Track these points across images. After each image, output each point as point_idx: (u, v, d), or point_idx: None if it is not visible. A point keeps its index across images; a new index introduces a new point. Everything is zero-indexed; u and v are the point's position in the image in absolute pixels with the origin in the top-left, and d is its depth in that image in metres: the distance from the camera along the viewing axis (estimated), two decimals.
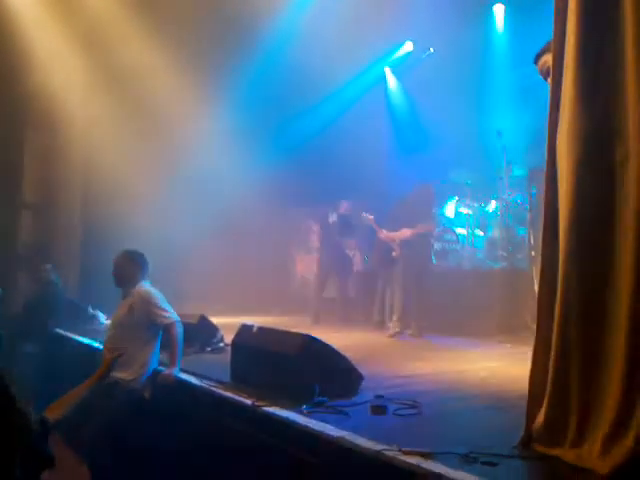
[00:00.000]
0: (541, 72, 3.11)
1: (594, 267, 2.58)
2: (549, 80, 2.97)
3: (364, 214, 7.61)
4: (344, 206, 8.86)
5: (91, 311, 7.59)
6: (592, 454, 2.41)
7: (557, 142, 2.77)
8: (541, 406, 2.73)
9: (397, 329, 7.00)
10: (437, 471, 2.43)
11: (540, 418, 2.68)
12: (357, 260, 10.01)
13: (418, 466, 2.50)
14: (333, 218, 8.87)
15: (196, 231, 8.89)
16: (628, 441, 2.29)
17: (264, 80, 9.31)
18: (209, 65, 9.14)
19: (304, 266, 10.27)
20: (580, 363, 2.57)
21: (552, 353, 2.68)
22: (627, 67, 2.49)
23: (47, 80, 8.61)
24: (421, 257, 7.18)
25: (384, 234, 7.33)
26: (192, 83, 8.87)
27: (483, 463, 2.51)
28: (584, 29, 2.65)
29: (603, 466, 2.34)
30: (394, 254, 7.17)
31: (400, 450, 2.63)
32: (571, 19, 2.69)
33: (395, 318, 7.04)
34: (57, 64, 8.65)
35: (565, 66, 2.71)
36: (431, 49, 9.76)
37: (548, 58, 2.92)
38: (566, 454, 2.52)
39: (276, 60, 9.10)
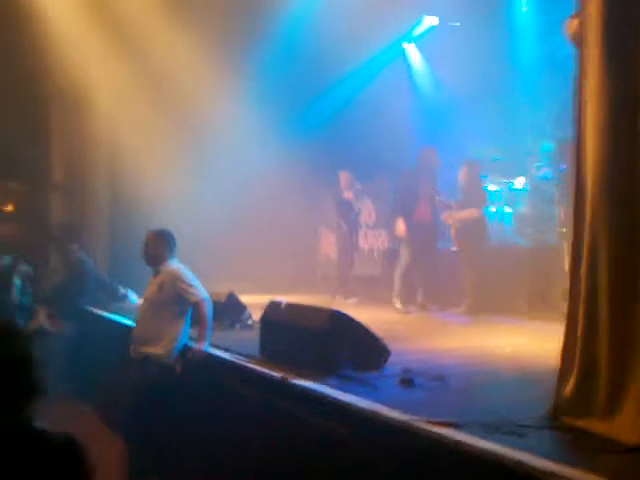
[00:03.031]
0: (569, 38, 3.04)
1: (622, 237, 2.55)
2: (577, 46, 2.91)
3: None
4: (344, 179, 8.74)
5: (122, 290, 7.72)
6: (623, 426, 2.41)
7: (582, 111, 2.73)
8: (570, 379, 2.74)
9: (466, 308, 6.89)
10: (464, 440, 2.46)
11: (568, 389, 2.68)
12: (384, 238, 9.98)
13: (445, 436, 2.54)
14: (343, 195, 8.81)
15: (223, 210, 8.95)
16: None
17: (287, 56, 9.26)
18: (232, 42, 9.11)
19: (329, 244, 10.29)
20: (609, 335, 2.55)
21: (581, 324, 2.67)
22: None
23: (71, 62, 8.68)
24: (478, 236, 7.12)
25: (452, 216, 7.21)
26: (216, 59, 8.84)
27: (510, 433, 2.52)
28: None
29: (631, 437, 2.34)
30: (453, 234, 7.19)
31: (427, 420, 2.66)
32: None
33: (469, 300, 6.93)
34: (83, 47, 8.70)
35: (590, 31, 2.66)
36: (457, 23, 9.59)
37: (576, 23, 2.87)
38: (595, 425, 2.51)
39: (299, 35, 9.05)
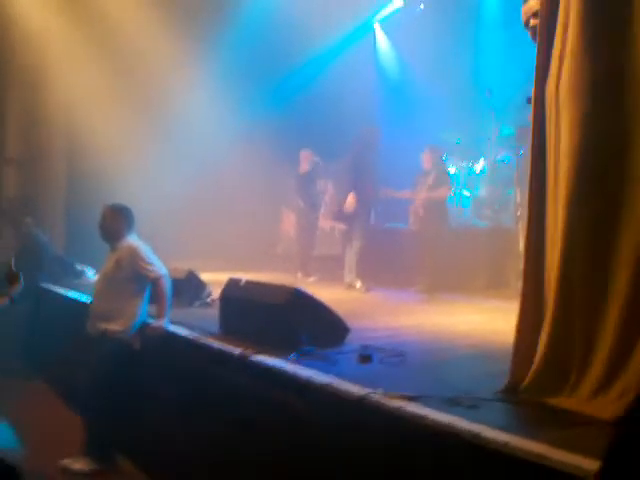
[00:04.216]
0: (526, 20, 3.05)
1: (599, 221, 2.57)
2: (532, 22, 2.91)
3: (385, 190, 7.60)
4: (304, 157, 8.69)
5: (79, 266, 7.57)
6: (594, 399, 2.46)
7: (558, 95, 2.69)
8: (527, 355, 2.78)
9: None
10: (421, 413, 2.50)
11: (535, 367, 2.70)
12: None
13: (403, 409, 2.58)
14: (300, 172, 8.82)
15: (185, 186, 8.84)
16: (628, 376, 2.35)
17: (253, 35, 9.15)
18: (197, 21, 8.97)
19: (290, 223, 10.26)
20: (581, 317, 2.59)
21: (550, 302, 2.69)
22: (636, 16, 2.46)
23: (28, 36, 8.42)
24: (442, 216, 7.30)
25: (429, 196, 7.21)
26: (180, 37, 8.70)
27: (466, 406, 2.58)
28: None
29: (605, 411, 2.36)
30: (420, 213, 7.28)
31: (385, 394, 2.70)
32: None
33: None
34: (39, 19, 8.45)
35: (568, 16, 2.64)
36: (421, 6, 9.62)
37: (534, 3, 2.88)
38: (566, 401, 2.56)
39: (265, 14, 8.95)
